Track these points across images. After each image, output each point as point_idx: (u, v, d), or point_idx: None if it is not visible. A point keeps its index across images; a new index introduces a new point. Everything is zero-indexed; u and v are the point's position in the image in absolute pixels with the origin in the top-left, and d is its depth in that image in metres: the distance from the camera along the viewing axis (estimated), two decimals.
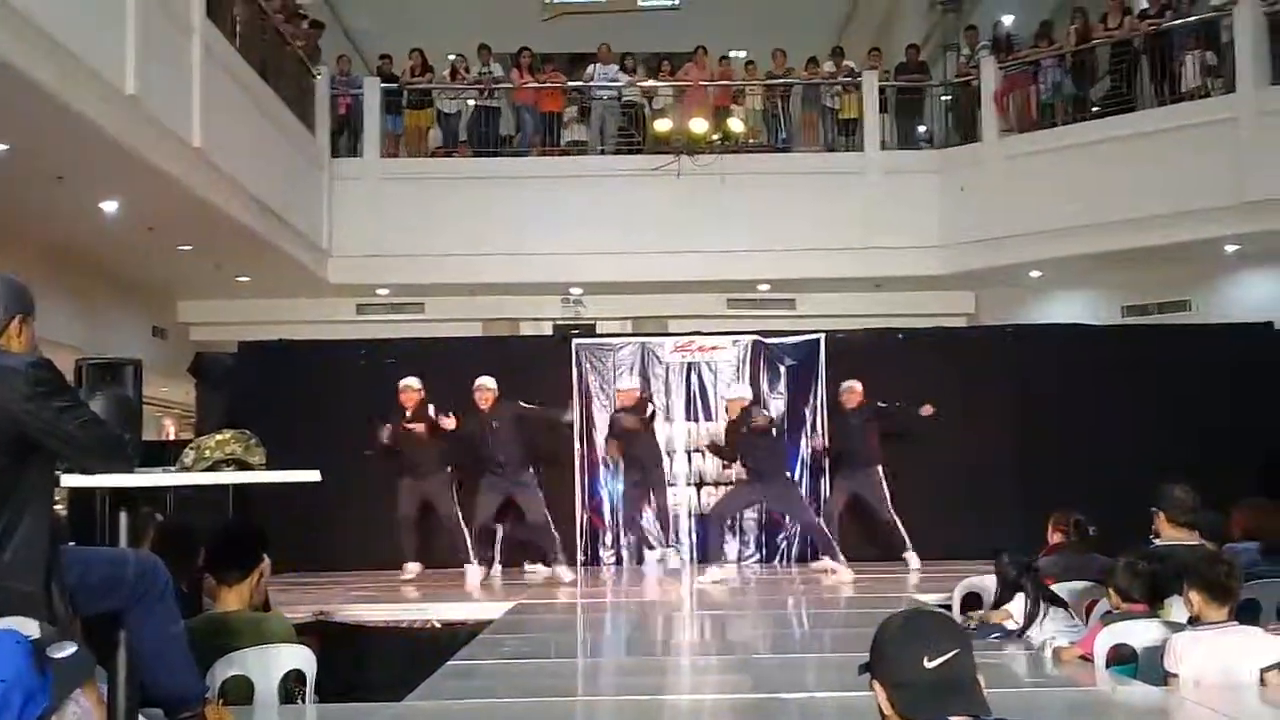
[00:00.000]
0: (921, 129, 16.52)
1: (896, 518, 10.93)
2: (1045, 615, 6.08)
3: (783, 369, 12.10)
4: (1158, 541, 6.18)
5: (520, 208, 15.15)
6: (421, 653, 7.49)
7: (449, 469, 10.64)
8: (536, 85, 16.02)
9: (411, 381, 10.55)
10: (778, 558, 11.84)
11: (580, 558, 11.43)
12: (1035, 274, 15.47)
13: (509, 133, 16.32)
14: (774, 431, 11.02)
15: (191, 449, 4.04)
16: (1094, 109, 14.88)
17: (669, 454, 11.83)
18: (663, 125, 15.51)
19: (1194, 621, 4.87)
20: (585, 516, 11.72)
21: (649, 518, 11.74)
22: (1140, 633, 5.22)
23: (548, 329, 16.02)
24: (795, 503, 11.16)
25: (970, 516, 11.13)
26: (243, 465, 4.03)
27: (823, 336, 12.23)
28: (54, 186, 10.35)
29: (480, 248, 15.08)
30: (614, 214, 15.16)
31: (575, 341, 12.39)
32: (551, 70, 16.58)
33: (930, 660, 2.42)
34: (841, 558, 10.52)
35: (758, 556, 11.83)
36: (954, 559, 10.23)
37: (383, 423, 10.36)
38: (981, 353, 12.37)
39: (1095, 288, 15.56)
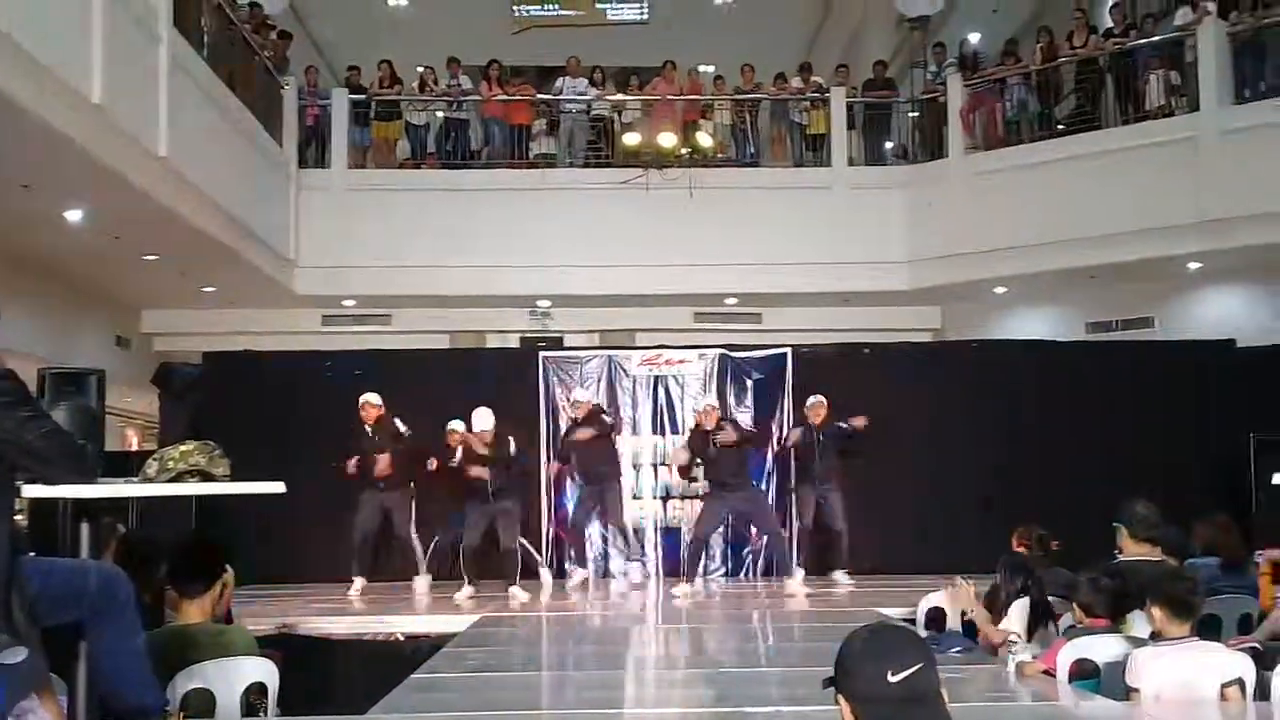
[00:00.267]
0: (889, 145, 16.59)
1: (846, 533, 11.00)
2: (1042, 628, 6.07)
3: (749, 383, 12.13)
4: (1121, 557, 6.23)
5: (488, 220, 15.13)
6: (385, 665, 7.47)
7: (410, 484, 10.63)
8: (505, 98, 16.01)
9: (371, 397, 10.52)
10: (743, 572, 11.85)
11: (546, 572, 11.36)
12: (1000, 290, 15.57)
13: (477, 145, 16.30)
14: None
15: (155, 460, 4.03)
16: (1059, 127, 14.98)
17: (635, 467, 11.83)
18: (631, 139, 15.56)
19: (1156, 637, 4.90)
20: (550, 530, 11.70)
21: (599, 531, 11.72)
22: (1102, 648, 5.25)
23: (515, 341, 16.01)
24: (765, 509, 11.23)
25: (934, 531, 11.22)
26: (206, 476, 4.02)
27: (789, 351, 12.28)
28: (19, 195, 10.26)
29: (447, 260, 15.05)
30: (582, 227, 15.16)
31: (542, 354, 12.38)
32: (520, 83, 16.58)
33: (894, 674, 2.42)
34: (799, 571, 10.58)
35: (724, 570, 11.84)
36: (919, 573, 10.27)
37: (346, 458, 10.33)
38: (947, 368, 12.44)
39: (1059, 304, 15.66)
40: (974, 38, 17.43)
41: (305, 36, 19.10)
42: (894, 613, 8.22)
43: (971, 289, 15.50)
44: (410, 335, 15.36)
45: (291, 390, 11.77)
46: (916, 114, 16.51)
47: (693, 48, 18.30)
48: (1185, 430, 11.45)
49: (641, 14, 18.78)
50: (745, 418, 11.83)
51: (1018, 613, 6.21)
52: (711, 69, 18.00)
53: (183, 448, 4.04)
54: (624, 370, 12.19)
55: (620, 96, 16.36)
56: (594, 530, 11.71)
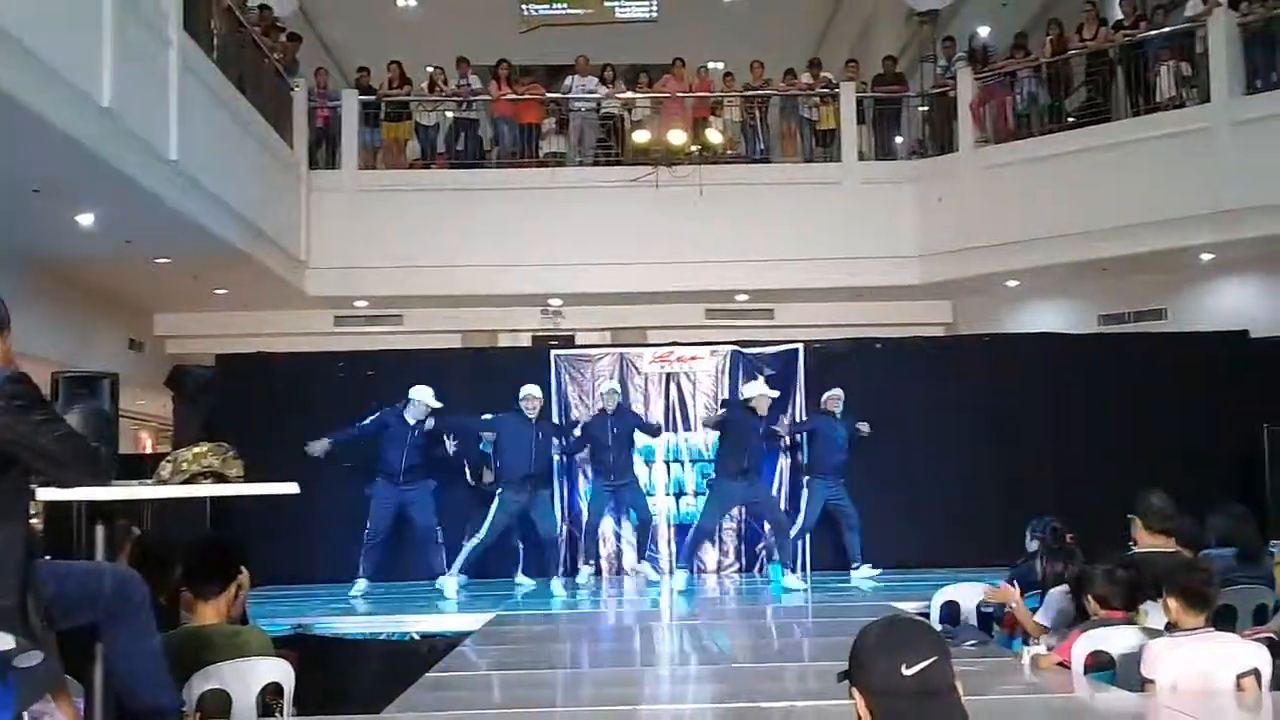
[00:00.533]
0: (898, 139, 16.57)
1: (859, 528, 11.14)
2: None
3: (761, 379, 12.09)
4: (1135, 548, 6.21)
5: (499, 219, 15.14)
6: (400, 664, 7.48)
7: (430, 479, 10.66)
8: (514, 97, 16.01)
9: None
10: (757, 566, 11.84)
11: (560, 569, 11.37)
12: (1012, 283, 15.54)
13: (487, 145, 16.31)
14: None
15: (168, 462, 4.03)
16: (1070, 119, 14.95)
17: (648, 464, 11.84)
18: (641, 137, 15.55)
19: (1171, 628, 4.89)
20: (564, 528, 11.69)
21: (612, 529, 11.74)
22: (1118, 639, 5.24)
23: (526, 340, 16.03)
24: (773, 501, 11.29)
25: (948, 525, 11.20)
26: (220, 478, 4.02)
27: (801, 346, 12.26)
28: (30, 199, 10.30)
29: (458, 259, 15.07)
30: (592, 225, 15.17)
31: (554, 352, 12.38)
32: (529, 82, 16.59)
33: (909, 668, 2.42)
34: (798, 569, 10.68)
35: (737, 566, 11.84)
36: (933, 567, 10.27)
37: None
38: (959, 362, 12.41)
39: (1071, 297, 15.63)
40: (983, 31, 17.38)
41: (315, 38, 19.14)
42: (908, 606, 8.21)
43: (983, 283, 15.48)
44: (422, 335, 15.38)
45: (304, 391, 11.78)
46: (926, 108, 16.48)
47: (702, 44, 18.29)
48: (1199, 422, 11.41)
49: (650, 12, 18.74)
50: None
51: (1056, 600, 6.19)
52: (721, 66, 17.97)
53: (196, 449, 4.05)
54: (636, 368, 12.19)
55: (630, 94, 16.36)
56: (607, 528, 11.72)
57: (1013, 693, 5.32)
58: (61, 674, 3.58)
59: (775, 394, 11.10)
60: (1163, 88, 13.86)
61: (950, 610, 7.64)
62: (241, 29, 13.19)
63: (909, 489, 11.44)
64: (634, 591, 10.92)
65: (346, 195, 15.37)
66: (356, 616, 8.97)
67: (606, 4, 18.83)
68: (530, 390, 10.74)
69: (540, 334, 16.05)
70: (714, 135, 15.62)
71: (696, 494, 11.79)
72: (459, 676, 6.23)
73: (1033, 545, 7.30)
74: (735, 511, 11.61)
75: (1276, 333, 12.50)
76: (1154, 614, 5.34)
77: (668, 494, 11.98)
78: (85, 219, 11.12)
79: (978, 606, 7.51)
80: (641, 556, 11.58)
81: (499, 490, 10.61)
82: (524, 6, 18.57)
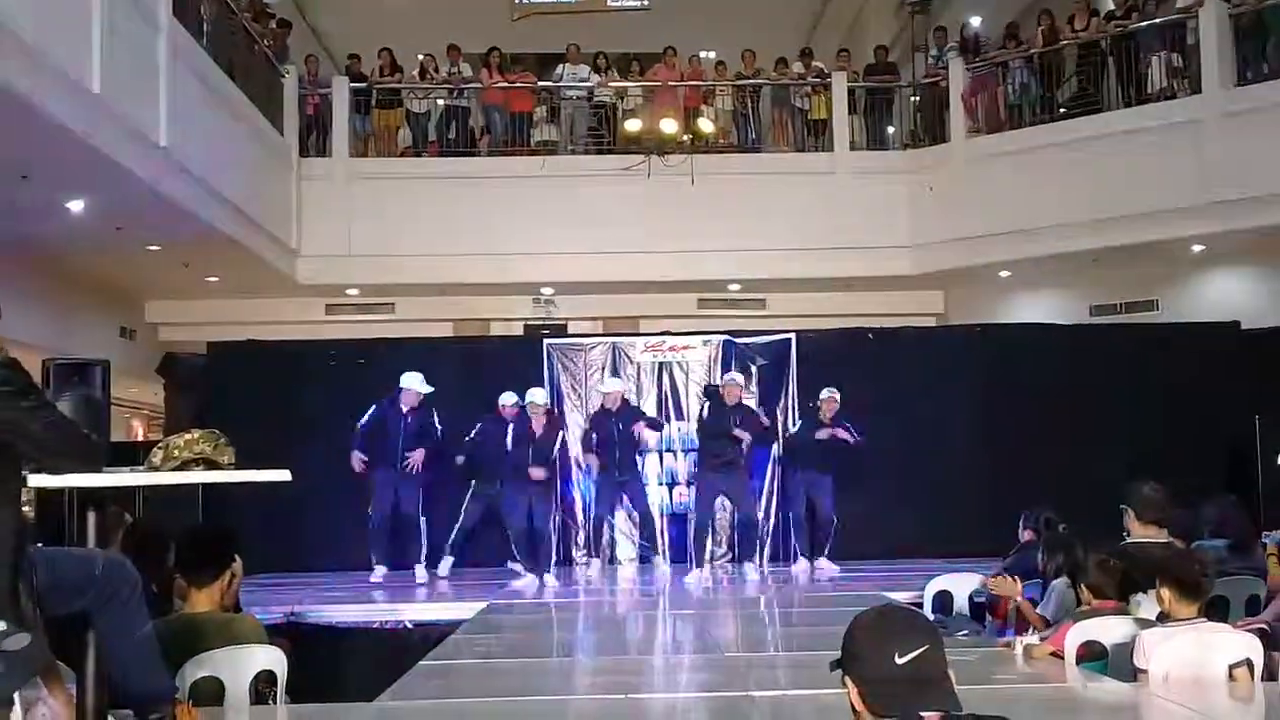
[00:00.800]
0: (890, 129, 16.57)
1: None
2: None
3: (754, 368, 12.12)
4: (1128, 539, 6.22)
5: (490, 208, 15.10)
6: (393, 653, 7.48)
7: (427, 471, 10.66)
8: (506, 85, 15.97)
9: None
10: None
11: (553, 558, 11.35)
12: (1004, 274, 15.54)
13: (479, 133, 16.26)
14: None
15: (160, 448, 4.02)
16: (1061, 110, 14.94)
17: (640, 454, 11.82)
18: (633, 125, 15.52)
19: (1164, 618, 4.90)
20: (558, 517, 11.68)
21: (608, 520, 11.72)
22: (1111, 629, 5.24)
23: (519, 329, 16.00)
24: (749, 497, 11.28)
25: (940, 515, 11.21)
26: (212, 465, 4.01)
27: (794, 336, 12.27)
28: (19, 185, 10.25)
29: (450, 248, 15.03)
30: (584, 214, 15.12)
31: (546, 341, 12.38)
32: (521, 70, 16.54)
33: (901, 656, 2.42)
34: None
35: (730, 556, 11.84)
36: (925, 557, 10.29)
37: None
38: (951, 352, 12.43)
39: (1063, 287, 15.64)
40: (975, 21, 17.35)
41: (305, 25, 19.09)
42: (900, 596, 8.22)
43: (975, 273, 15.48)
44: (414, 324, 15.33)
45: (296, 379, 11.77)
46: (918, 98, 16.47)
47: (694, 33, 18.23)
48: (1191, 412, 11.43)
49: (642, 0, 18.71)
50: (750, 404, 11.81)
51: (1059, 591, 6.20)
52: (713, 54, 17.93)
53: (188, 436, 4.04)
54: (628, 357, 12.19)
55: (621, 83, 16.33)
56: (608, 519, 11.70)
57: (1006, 682, 5.33)
58: (52, 658, 3.57)
59: (740, 378, 11.21)
60: (1154, 79, 13.85)
61: (943, 600, 7.66)
62: (231, 15, 13.14)
63: (900, 479, 11.44)
64: (627, 581, 10.93)
65: (337, 183, 15.31)
66: (349, 605, 8.96)
67: None
68: (506, 399, 10.66)
69: (532, 323, 16.03)
70: (706, 124, 15.60)
71: (689, 484, 11.78)
72: (452, 665, 6.23)
73: (1025, 535, 7.32)
74: (723, 504, 11.58)
75: (1268, 323, 12.54)
76: (1145, 604, 5.34)
77: (660, 484, 11.98)
78: (75, 205, 11.06)
79: (970, 596, 7.53)
80: (636, 548, 11.59)
81: (472, 480, 10.63)
82: None
